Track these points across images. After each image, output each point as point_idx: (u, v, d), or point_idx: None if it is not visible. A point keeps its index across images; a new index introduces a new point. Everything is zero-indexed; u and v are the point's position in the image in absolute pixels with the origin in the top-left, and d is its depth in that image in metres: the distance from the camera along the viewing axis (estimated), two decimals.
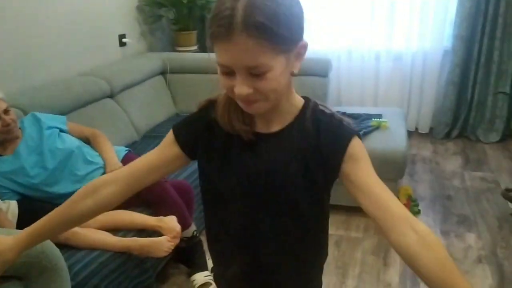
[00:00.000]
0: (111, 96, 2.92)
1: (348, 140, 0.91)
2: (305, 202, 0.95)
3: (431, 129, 4.08)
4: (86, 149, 2.19)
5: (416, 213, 2.79)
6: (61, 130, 2.17)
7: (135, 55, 3.57)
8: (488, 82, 3.78)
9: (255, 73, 0.82)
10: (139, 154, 2.27)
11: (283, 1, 0.80)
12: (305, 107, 0.95)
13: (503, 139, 3.85)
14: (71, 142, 2.15)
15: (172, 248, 1.88)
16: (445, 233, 2.60)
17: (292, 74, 0.89)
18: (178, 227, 1.95)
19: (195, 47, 3.91)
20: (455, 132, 3.97)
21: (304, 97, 0.97)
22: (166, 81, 3.53)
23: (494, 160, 3.55)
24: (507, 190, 2.93)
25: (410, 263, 0.83)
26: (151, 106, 3.25)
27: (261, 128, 0.95)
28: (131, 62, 3.35)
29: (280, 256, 0.99)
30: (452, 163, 3.52)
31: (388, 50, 3.90)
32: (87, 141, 2.27)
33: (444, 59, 3.87)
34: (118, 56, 3.42)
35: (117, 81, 2.97)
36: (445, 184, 3.20)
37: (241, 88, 0.83)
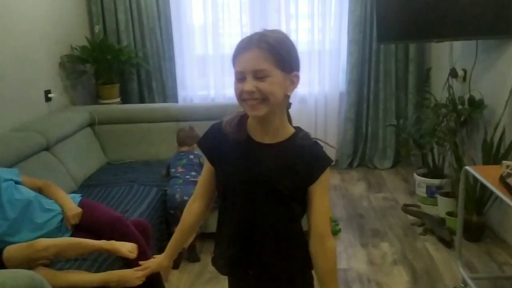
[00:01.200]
0: (47, 149, 2.99)
1: (324, 169, 1.30)
2: (291, 201, 1.28)
3: (336, 161, 4.66)
4: (42, 198, 2.27)
5: (337, 231, 3.22)
6: (16, 182, 2.23)
7: (61, 109, 3.66)
8: (378, 118, 4.49)
9: (259, 76, 1.18)
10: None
11: (286, 38, 1.24)
12: (297, 131, 1.30)
13: (394, 164, 4.56)
14: (28, 192, 2.22)
15: (144, 275, 2.02)
16: (364, 245, 3.05)
17: (286, 96, 1.25)
18: (130, 244, 2.07)
19: (118, 99, 4.09)
20: (356, 162, 4.59)
21: (295, 127, 1.32)
22: (94, 132, 3.65)
23: (390, 182, 4.19)
24: (406, 205, 3.53)
25: (313, 264, 1.32)
26: (85, 156, 3.35)
27: (258, 138, 1.29)
28: (60, 116, 3.43)
29: (268, 239, 1.31)
30: (358, 188, 4.09)
31: (294, 94, 4.45)
32: (39, 191, 2.35)
33: (341, 100, 4.52)
34: (45, 110, 3.48)
35: (51, 134, 3.05)
36: (356, 205, 3.71)
37: (248, 85, 1.19)
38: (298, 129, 1.34)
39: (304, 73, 4.42)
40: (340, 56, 4.43)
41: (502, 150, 2.88)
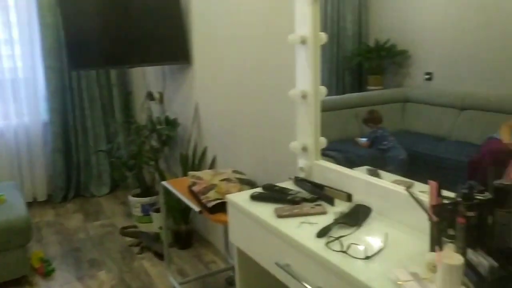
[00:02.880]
0: None
1: None
2: None
3: (49, 195, 4.33)
4: None
5: (51, 271, 2.98)
6: None
7: None
8: (88, 144, 4.40)
9: None
10: None
11: None
12: None
13: (113, 189, 4.55)
14: None
15: None
16: (80, 279, 2.92)
17: None
18: None
19: None
20: (72, 193, 4.38)
21: None
22: None
23: (108, 208, 4.15)
24: (123, 228, 3.56)
25: None
26: None
27: None
28: None
29: None
30: (75, 220, 3.90)
31: None
32: None
33: (45, 130, 4.24)
34: None
35: None
36: (72, 239, 3.53)
37: None
38: None
39: None
40: (38, 84, 4.15)
41: (196, 161, 3.24)
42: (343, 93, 2.11)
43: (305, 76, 1.89)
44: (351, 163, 2.06)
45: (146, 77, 3.83)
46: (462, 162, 1.74)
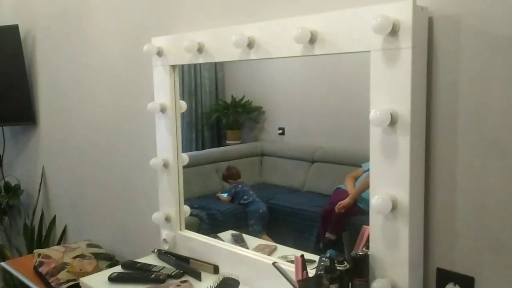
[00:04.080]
0: None
1: None
2: None
3: None
4: None
5: None
6: None
7: None
8: None
9: None
10: None
11: None
12: None
13: None
14: None
15: None
16: None
17: None
18: None
19: None
20: None
21: None
22: None
23: None
24: None
25: None
26: None
27: None
28: None
29: None
30: None
31: None
32: None
33: None
34: None
35: None
36: None
37: None
38: None
39: None
40: None
41: (44, 232, 2.89)
42: (203, 148, 2.11)
43: (166, 144, 1.85)
44: (215, 221, 2.04)
45: None
46: (315, 212, 1.85)
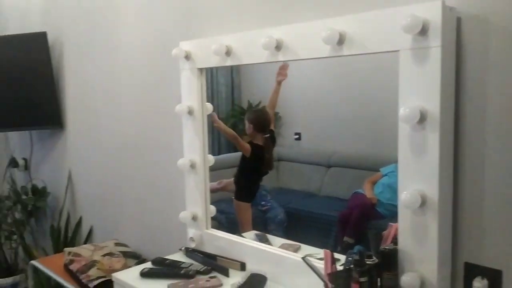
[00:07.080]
0: None
1: None
2: None
3: None
4: None
5: None
6: None
7: None
8: None
9: None
10: None
11: None
12: None
13: None
14: None
15: None
16: None
17: None
18: None
19: None
20: None
21: None
22: None
23: None
24: None
25: None
26: None
27: None
28: None
29: None
30: None
31: None
32: None
33: None
34: None
35: None
36: None
37: None
38: None
39: None
40: None
41: (70, 234, 2.95)
42: (220, 153, 2.15)
43: (193, 146, 1.90)
44: (233, 225, 2.06)
45: (9, 142, 3.47)
46: (332, 216, 1.87)
